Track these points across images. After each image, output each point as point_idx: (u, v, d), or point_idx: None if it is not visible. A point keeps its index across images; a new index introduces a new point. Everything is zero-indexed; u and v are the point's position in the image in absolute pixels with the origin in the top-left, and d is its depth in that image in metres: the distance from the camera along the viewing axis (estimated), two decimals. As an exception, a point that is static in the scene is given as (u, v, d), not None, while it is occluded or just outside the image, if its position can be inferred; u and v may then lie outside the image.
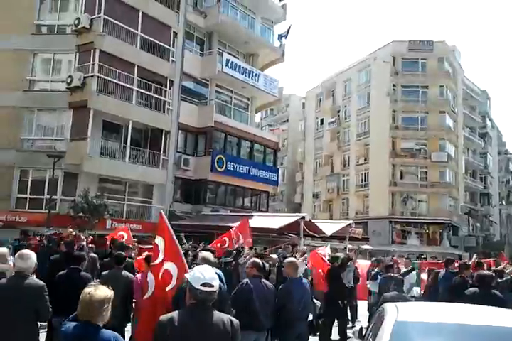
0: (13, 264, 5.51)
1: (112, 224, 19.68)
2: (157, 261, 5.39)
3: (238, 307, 5.27)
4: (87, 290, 3.08)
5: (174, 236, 5.47)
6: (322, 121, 52.68)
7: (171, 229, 5.47)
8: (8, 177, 20.20)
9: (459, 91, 47.74)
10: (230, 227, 13.69)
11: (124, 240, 10.80)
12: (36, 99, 20.71)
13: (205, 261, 5.35)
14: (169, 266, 5.25)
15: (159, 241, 5.45)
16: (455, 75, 46.03)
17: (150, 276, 5.43)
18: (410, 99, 42.66)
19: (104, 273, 6.63)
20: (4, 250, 5.65)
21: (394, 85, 43.05)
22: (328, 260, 10.27)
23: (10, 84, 20.62)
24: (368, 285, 10.67)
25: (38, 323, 4.60)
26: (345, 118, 48.81)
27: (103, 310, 3.02)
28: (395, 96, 42.82)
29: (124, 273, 6.54)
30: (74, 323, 3.06)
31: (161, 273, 5.30)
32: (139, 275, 6.30)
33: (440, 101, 42.37)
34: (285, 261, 6.43)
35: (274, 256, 12.50)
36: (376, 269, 10.50)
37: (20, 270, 4.58)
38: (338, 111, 50.01)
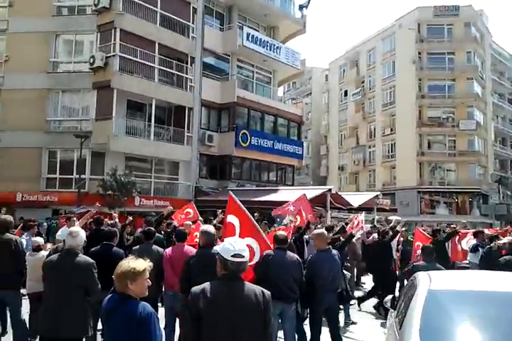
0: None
1: (140, 201, 20.05)
2: None
3: (260, 279, 5.29)
4: (122, 262, 3.14)
5: (248, 213, 5.73)
6: (346, 92, 51.90)
7: (243, 207, 5.73)
8: (38, 158, 20.71)
9: (487, 56, 46.17)
10: (256, 202, 13.74)
11: (190, 217, 10.92)
12: (60, 81, 20.95)
13: (206, 233, 5.49)
14: (248, 241, 5.38)
15: (232, 219, 5.69)
16: (483, 40, 44.48)
17: None
18: (436, 67, 41.44)
19: (134, 247, 6.75)
20: None
21: (419, 53, 41.92)
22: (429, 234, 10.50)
23: (34, 67, 20.90)
24: (468, 258, 10.88)
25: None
26: (370, 89, 47.94)
27: (138, 281, 3.06)
28: (420, 64, 41.73)
29: (155, 247, 6.67)
30: (110, 295, 3.15)
31: None
32: (168, 250, 6.42)
33: (467, 67, 41.10)
34: (313, 232, 6.40)
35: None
36: (473, 241, 10.72)
37: (69, 247, 4.73)
38: (363, 82, 49.15)
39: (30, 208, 18.42)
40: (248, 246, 5.18)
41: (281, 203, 15.25)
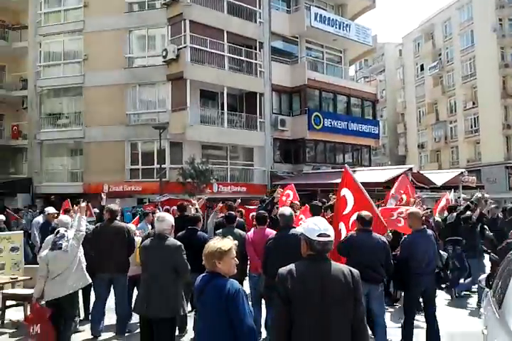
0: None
1: (218, 187, 20.56)
2: (346, 211, 5.80)
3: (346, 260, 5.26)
4: (209, 242, 3.28)
5: (362, 188, 5.89)
6: (422, 66, 49.65)
7: (358, 181, 5.90)
8: (121, 151, 21.78)
9: None
10: (333, 184, 13.51)
11: (291, 198, 11.15)
12: (136, 75, 21.77)
13: (282, 216, 5.52)
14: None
15: (346, 192, 5.83)
16: None
17: (341, 225, 5.83)
18: (520, 33, 38.46)
19: (218, 231, 6.99)
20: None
21: (500, 19, 39.10)
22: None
23: (111, 64, 21.88)
24: None
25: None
26: (448, 61, 45.48)
27: (225, 260, 3.19)
28: (502, 31, 38.90)
29: (237, 230, 6.88)
30: (202, 275, 3.29)
31: (351, 222, 5.74)
32: (250, 233, 6.58)
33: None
34: (408, 211, 6.18)
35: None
36: None
37: (158, 231, 5.02)
38: (440, 55, 46.76)
39: (116, 198, 19.47)
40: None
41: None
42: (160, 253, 4.80)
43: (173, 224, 5.06)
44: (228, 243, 3.24)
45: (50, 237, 6.02)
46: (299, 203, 9.68)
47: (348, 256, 5.34)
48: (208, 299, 3.15)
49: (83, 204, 6.26)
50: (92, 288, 6.89)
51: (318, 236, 2.92)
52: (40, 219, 11.08)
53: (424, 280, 5.57)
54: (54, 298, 5.54)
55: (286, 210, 5.71)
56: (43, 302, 5.58)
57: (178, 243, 4.90)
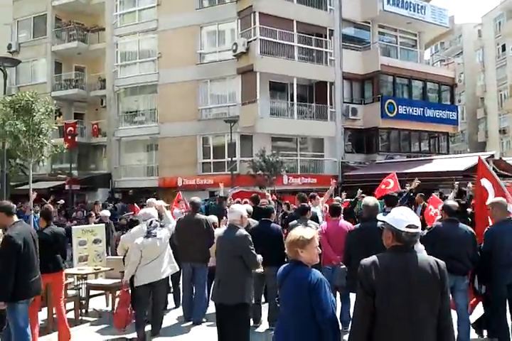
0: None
1: (288, 179, 20.49)
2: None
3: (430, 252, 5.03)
4: (292, 231, 3.34)
5: (497, 177, 6.18)
6: (504, 46, 46.49)
7: (492, 171, 6.31)
8: (193, 145, 22.32)
9: None
10: (407, 174, 13.04)
11: (390, 187, 11.00)
12: (207, 71, 22.14)
13: (366, 207, 5.57)
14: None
15: (485, 182, 6.10)
16: None
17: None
18: None
19: (291, 222, 6.99)
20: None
21: None
22: None
23: (184, 60, 22.43)
24: None
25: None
26: (533, 39, 42.28)
27: (308, 248, 3.21)
28: None
29: (311, 222, 6.84)
30: (285, 264, 3.34)
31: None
32: (324, 224, 6.49)
33: None
34: (491, 200, 5.84)
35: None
36: None
37: (230, 222, 5.19)
38: (524, 33, 43.52)
39: (189, 191, 19.99)
40: None
41: (436, 174, 14.23)
42: (228, 242, 4.94)
43: (244, 214, 5.13)
44: (311, 231, 3.29)
45: (139, 227, 6.39)
46: (396, 192, 9.33)
47: (432, 247, 5.10)
48: (290, 286, 3.19)
49: (161, 202, 6.76)
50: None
51: (408, 227, 2.82)
52: None
53: (509, 274, 5.23)
54: (148, 282, 5.92)
55: (371, 200, 5.64)
56: (136, 285, 5.95)
57: (245, 233, 4.99)
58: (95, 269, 7.83)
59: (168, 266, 6.19)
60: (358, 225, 5.80)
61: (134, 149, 25.43)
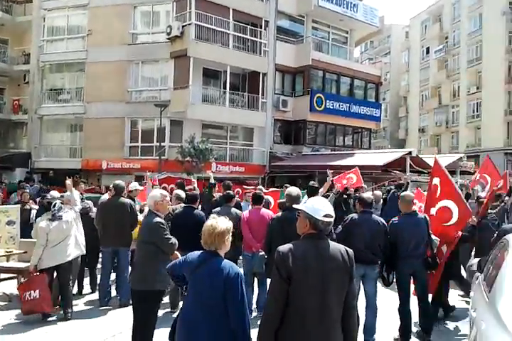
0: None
1: (216, 167, 20.59)
2: (436, 196, 6.31)
3: (340, 240, 5.21)
4: (209, 222, 3.32)
5: (450, 177, 6.37)
6: (428, 49, 49.16)
7: (445, 170, 6.38)
8: (121, 127, 21.74)
9: None
10: (331, 166, 13.48)
11: (353, 182, 10.97)
12: (140, 52, 21.57)
13: (288, 196, 5.68)
14: (446, 203, 6.12)
15: (436, 181, 6.33)
16: None
17: (432, 211, 6.29)
18: (530, 17, 37.89)
19: (214, 209, 7.00)
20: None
21: (510, 3, 38.43)
22: None
23: (115, 40, 21.68)
24: None
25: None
26: (454, 45, 45.01)
27: (225, 239, 3.27)
28: (511, 15, 38.28)
29: (233, 210, 6.96)
30: (199, 252, 3.32)
31: (435, 210, 6.23)
32: (245, 212, 6.67)
33: None
34: (401, 195, 6.25)
35: (378, 192, 12.44)
36: None
37: (149, 207, 5.03)
38: (446, 38, 46.28)
39: (114, 175, 19.53)
40: (446, 207, 6.04)
41: (357, 167, 14.78)
42: (144, 228, 4.86)
43: (158, 200, 4.86)
44: (227, 223, 3.33)
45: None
46: (365, 187, 9.61)
47: (347, 238, 5.42)
48: (205, 277, 3.15)
49: (68, 181, 6.65)
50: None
51: (324, 216, 2.96)
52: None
53: (412, 263, 5.63)
54: (53, 265, 5.97)
55: (294, 190, 5.75)
56: (41, 268, 5.98)
57: (157, 219, 4.76)
58: (7, 252, 7.57)
59: (74, 249, 6.20)
60: (279, 214, 5.94)
61: (56, 128, 24.33)
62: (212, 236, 3.24)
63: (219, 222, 3.29)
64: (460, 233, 6.24)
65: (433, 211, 6.28)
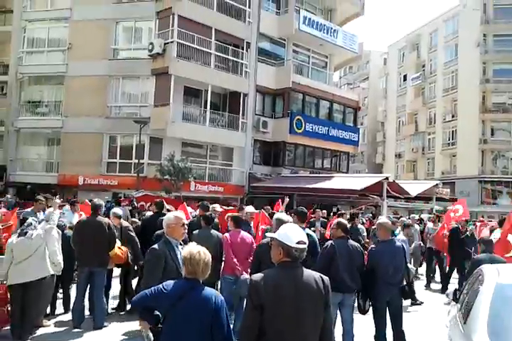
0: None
1: (195, 186, 20.42)
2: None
3: (322, 269, 5.22)
4: (194, 250, 3.16)
5: None
6: (405, 77, 50.36)
7: None
8: (99, 143, 21.45)
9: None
10: (310, 189, 13.46)
11: (460, 214, 11.05)
12: (120, 67, 21.50)
13: (279, 220, 5.40)
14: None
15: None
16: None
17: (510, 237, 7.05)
18: (503, 50, 39.11)
19: (195, 232, 6.70)
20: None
21: (484, 35, 39.82)
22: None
23: (96, 54, 21.57)
24: None
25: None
26: (431, 73, 46.28)
27: (207, 269, 3.15)
28: (485, 46, 39.69)
29: (214, 232, 6.73)
30: (175, 281, 3.18)
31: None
32: (227, 235, 6.50)
33: (538, 50, 38.62)
34: (377, 222, 6.21)
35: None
36: None
37: None
38: (423, 66, 47.56)
39: (91, 191, 19.18)
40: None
41: (335, 191, 14.87)
42: None
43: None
44: (208, 253, 3.20)
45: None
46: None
47: (328, 266, 5.30)
48: (191, 309, 3.00)
49: (57, 200, 6.51)
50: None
51: (297, 243, 2.92)
52: None
53: (389, 290, 5.58)
54: (18, 282, 5.84)
55: (284, 216, 5.65)
56: (8, 284, 5.89)
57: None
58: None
59: (41, 268, 5.99)
60: (267, 239, 5.82)
61: (33, 142, 23.90)
62: (201, 266, 3.11)
63: (205, 251, 3.18)
64: None
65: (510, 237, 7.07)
